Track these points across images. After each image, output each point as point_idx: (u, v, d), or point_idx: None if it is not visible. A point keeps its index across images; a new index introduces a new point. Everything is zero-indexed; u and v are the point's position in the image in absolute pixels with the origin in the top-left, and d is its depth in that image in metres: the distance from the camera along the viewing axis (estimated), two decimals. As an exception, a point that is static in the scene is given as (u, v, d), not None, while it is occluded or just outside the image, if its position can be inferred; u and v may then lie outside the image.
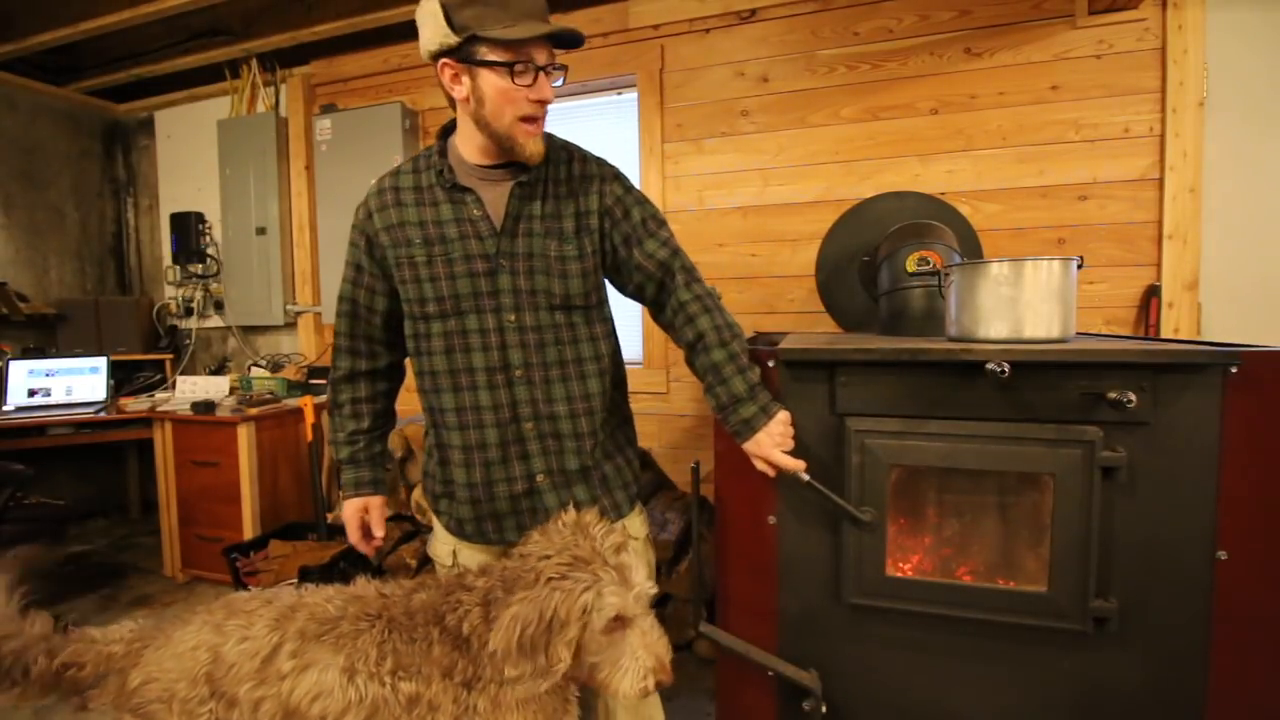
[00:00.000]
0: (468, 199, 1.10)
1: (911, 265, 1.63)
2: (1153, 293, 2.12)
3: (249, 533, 2.66)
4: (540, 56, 1.01)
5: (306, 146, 3.21)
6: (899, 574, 1.27)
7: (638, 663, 0.93)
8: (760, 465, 1.15)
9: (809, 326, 2.48)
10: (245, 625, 0.97)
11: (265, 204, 3.25)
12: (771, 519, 1.25)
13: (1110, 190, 2.17)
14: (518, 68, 0.99)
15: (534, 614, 0.87)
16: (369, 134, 2.95)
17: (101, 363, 3.10)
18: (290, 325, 3.36)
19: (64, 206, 3.58)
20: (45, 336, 3.34)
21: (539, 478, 1.14)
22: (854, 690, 1.23)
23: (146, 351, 3.48)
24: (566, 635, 0.88)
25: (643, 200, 1.19)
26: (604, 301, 1.20)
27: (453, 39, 0.98)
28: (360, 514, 1.24)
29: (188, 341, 3.60)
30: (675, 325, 1.17)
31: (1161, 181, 2.11)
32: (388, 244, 1.12)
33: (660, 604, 2.21)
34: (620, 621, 0.91)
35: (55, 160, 3.54)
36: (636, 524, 1.23)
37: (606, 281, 1.22)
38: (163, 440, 2.82)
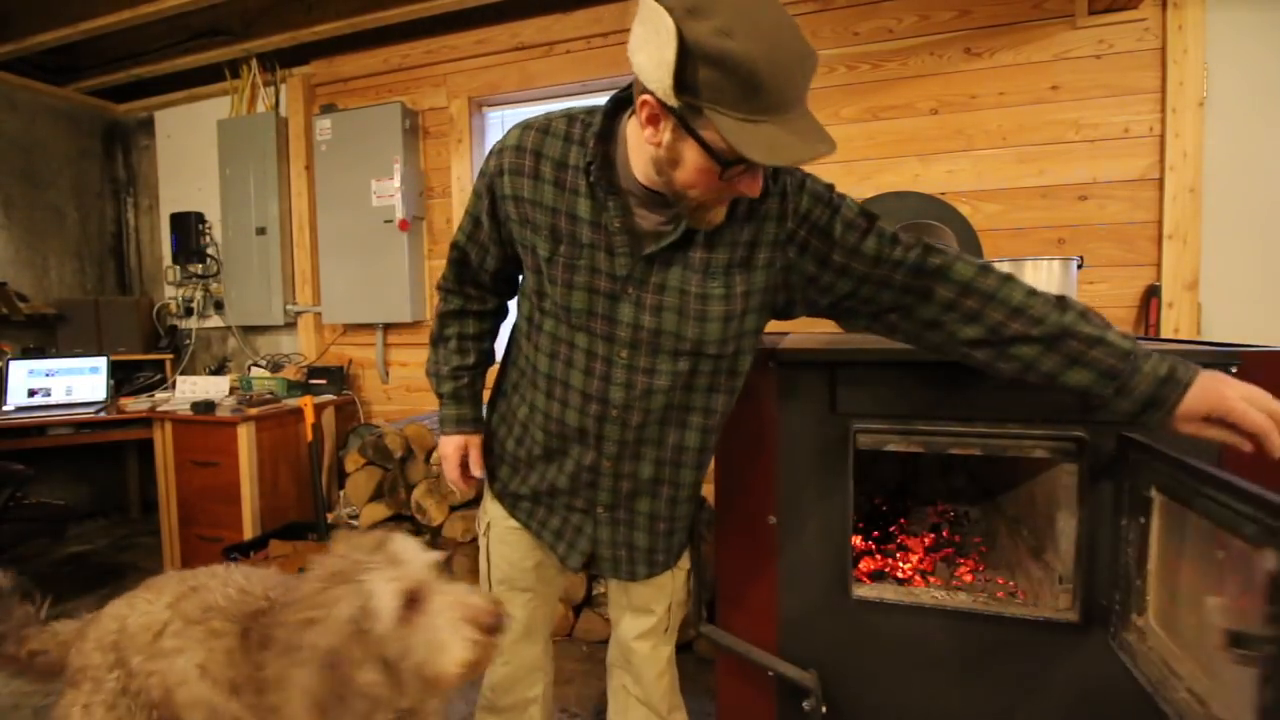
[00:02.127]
0: (610, 203, 0.91)
1: (911, 265, 1.63)
2: (1153, 293, 2.12)
3: (249, 533, 2.66)
4: None
5: (306, 146, 3.21)
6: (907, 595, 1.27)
7: (452, 627, 0.82)
8: (1213, 432, 0.81)
9: (809, 327, 2.47)
10: (151, 599, 0.98)
11: (265, 204, 3.25)
12: (771, 519, 1.25)
13: (1110, 190, 2.17)
14: (736, 169, 0.78)
15: (310, 672, 0.76)
16: (369, 134, 2.95)
17: (101, 363, 3.10)
18: (290, 325, 3.36)
19: (64, 206, 3.58)
20: (45, 336, 3.34)
21: (599, 509, 1.07)
22: (854, 690, 1.23)
23: (146, 351, 3.48)
24: (355, 659, 0.78)
25: (839, 204, 0.93)
26: (742, 352, 1.00)
27: (672, 99, 0.74)
28: (460, 451, 1.18)
29: (188, 341, 3.60)
30: (963, 319, 0.91)
31: (1161, 181, 2.11)
32: (514, 217, 0.98)
33: (660, 604, 2.20)
34: (414, 601, 0.82)
35: (55, 160, 3.54)
36: (683, 560, 1.20)
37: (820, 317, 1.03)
38: (163, 440, 2.82)
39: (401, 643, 0.80)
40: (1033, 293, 0.89)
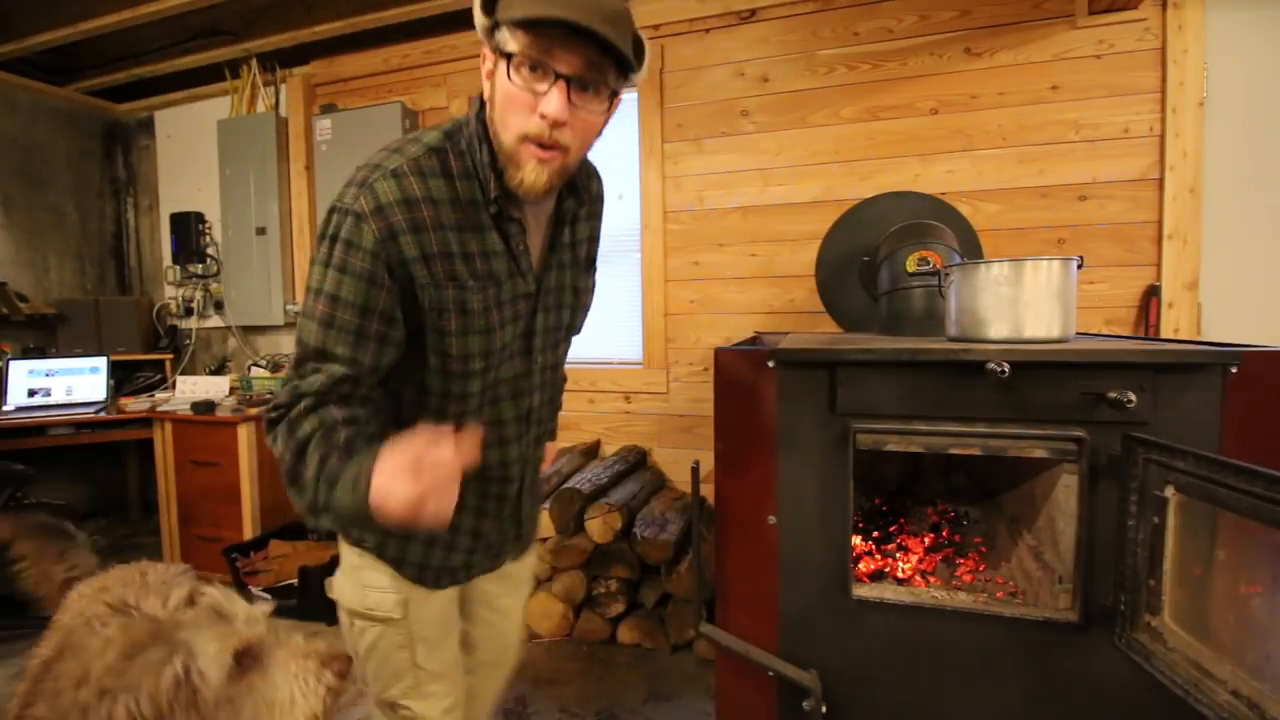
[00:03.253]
0: (512, 229, 0.88)
1: (911, 265, 1.63)
2: (1153, 293, 2.12)
3: (249, 533, 2.66)
4: (565, 63, 0.76)
5: (306, 146, 3.21)
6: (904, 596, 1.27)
7: (300, 681, 0.75)
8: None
9: (809, 326, 2.48)
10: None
11: (265, 204, 3.25)
12: (771, 519, 1.25)
13: (1110, 190, 2.17)
14: (522, 61, 0.75)
15: None
16: (369, 134, 2.95)
17: (101, 363, 3.10)
18: (290, 325, 3.36)
19: (64, 206, 3.58)
20: (45, 336, 3.34)
21: (525, 518, 1.09)
22: (854, 690, 1.23)
23: (146, 351, 3.48)
24: None
25: None
26: None
27: (483, 19, 0.78)
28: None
29: (188, 341, 3.60)
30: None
31: (1161, 181, 2.11)
32: (425, 280, 0.82)
33: (660, 604, 2.20)
34: (251, 658, 0.74)
35: (55, 160, 3.54)
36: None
37: None
38: (163, 440, 2.82)
39: (232, 706, 0.71)
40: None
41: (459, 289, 0.84)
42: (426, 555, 0.97)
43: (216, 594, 0.77)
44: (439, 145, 0.85)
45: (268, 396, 2.89)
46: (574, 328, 1.06)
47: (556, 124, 0.78)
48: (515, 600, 1.16)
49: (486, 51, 0.81)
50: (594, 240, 1.07)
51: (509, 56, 0.76)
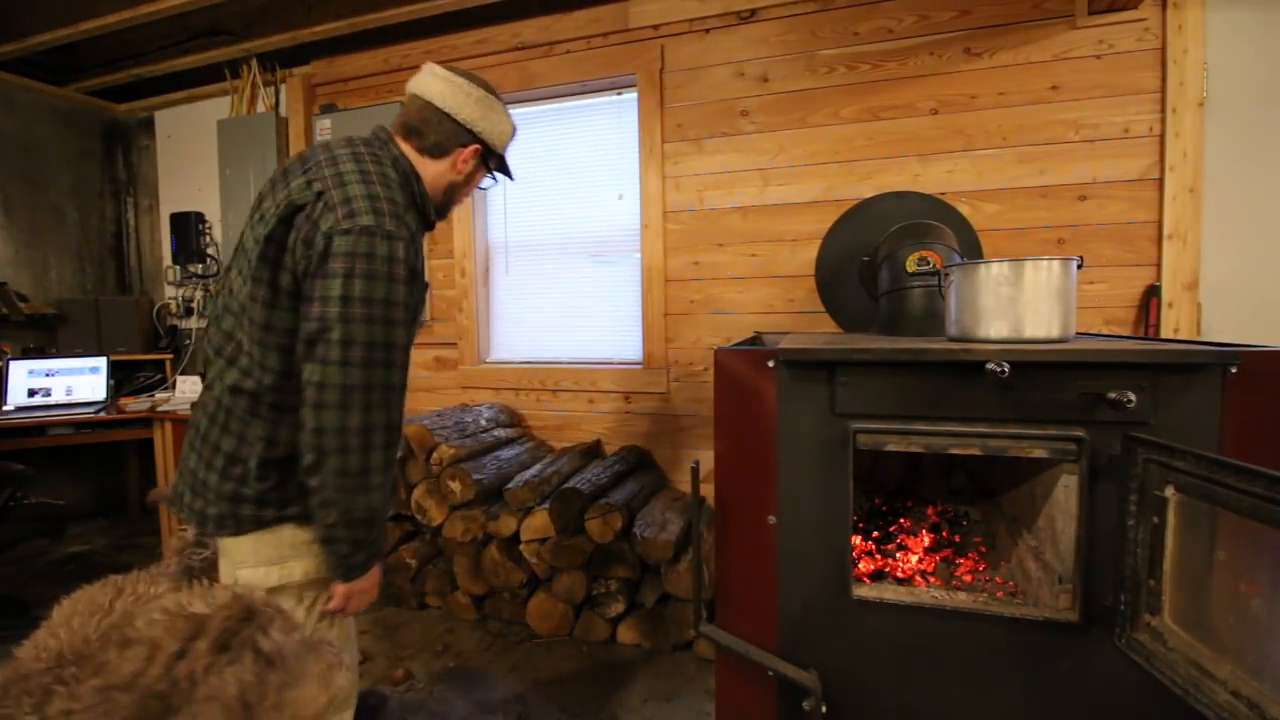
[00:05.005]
0: (425, 245, 1.18)
1: (911, 265, 1.63)
2: (1153, 293, 2.12)
3: (249, 533, 2.66)
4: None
5: (307, 147, 3.21)
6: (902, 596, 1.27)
7: (330, 655, 0.81)
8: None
9: (809, 326, 2.48)
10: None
11: (265, 204, 3.25)
12: (771, 519, 1.25)
13: (1110, 190, 2.17)
14: (487, 181, 1.26)
15: None
16: (369, 134, 2.94)
17: (101, 363, 3.10)
18: (290, 325, 3.36)
19: (64, 206, 3.58)
20: (45, 336, 3.34)
21: None
22: (854, 690, 1.23)
23: (146, 351, 3.48)
24: (265, 705, 0.69)
25: None
26: None
27: (499, 148, 1.20)
28: None
29: (188, 341, 3.60)
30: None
31: (1161, 181, 2.11)
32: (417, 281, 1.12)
33: (660, 604, 2.21)
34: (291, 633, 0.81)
35: (55, 160, 3.54)
36: None
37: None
38: (163, 440, 2.82)
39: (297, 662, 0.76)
40: None
41: (422, 287, 1.12)
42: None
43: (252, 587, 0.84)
44: (403, 182, 1.11)
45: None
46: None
47: None
48: None
49: (469, 157, 1.17)
50: None
51: (490, 172, 1.24)
